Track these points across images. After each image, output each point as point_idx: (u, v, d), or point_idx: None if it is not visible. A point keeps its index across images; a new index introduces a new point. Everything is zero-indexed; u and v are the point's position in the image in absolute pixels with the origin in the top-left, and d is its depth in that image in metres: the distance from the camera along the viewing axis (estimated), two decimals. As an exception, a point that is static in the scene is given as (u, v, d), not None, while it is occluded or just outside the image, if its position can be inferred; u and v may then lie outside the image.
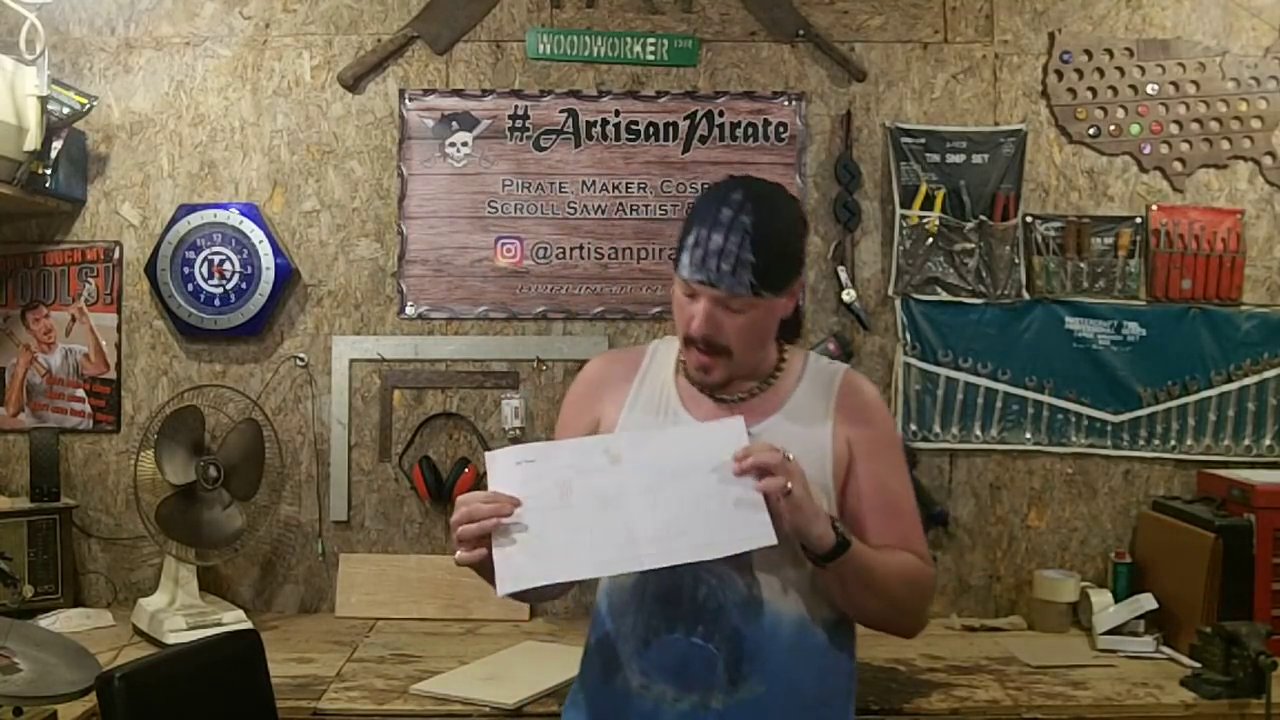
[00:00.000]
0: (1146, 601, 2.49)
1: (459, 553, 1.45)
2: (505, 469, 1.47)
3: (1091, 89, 2.79)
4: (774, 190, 1.57)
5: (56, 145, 2.58)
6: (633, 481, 1.44)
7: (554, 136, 2.80)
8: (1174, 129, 2.79)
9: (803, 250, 1.60)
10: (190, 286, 2.74)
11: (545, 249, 2.81)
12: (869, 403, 1.62)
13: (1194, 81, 2.78)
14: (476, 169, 2.80)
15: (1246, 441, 2.77)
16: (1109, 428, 2.78)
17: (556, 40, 2.80)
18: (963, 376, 2.77)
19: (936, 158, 2.77)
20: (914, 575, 1.56)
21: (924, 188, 2.76)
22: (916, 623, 1.62)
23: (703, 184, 2.76)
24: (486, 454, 1.47)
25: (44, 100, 2.49)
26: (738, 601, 1.51)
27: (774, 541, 1.40)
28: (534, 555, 1.42)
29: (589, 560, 1.42)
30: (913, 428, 2.77)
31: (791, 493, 1.39)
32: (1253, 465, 2.72)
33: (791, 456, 1.43)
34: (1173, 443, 2.78)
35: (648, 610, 1.55)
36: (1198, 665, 2.27)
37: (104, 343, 2.80)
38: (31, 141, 2.49)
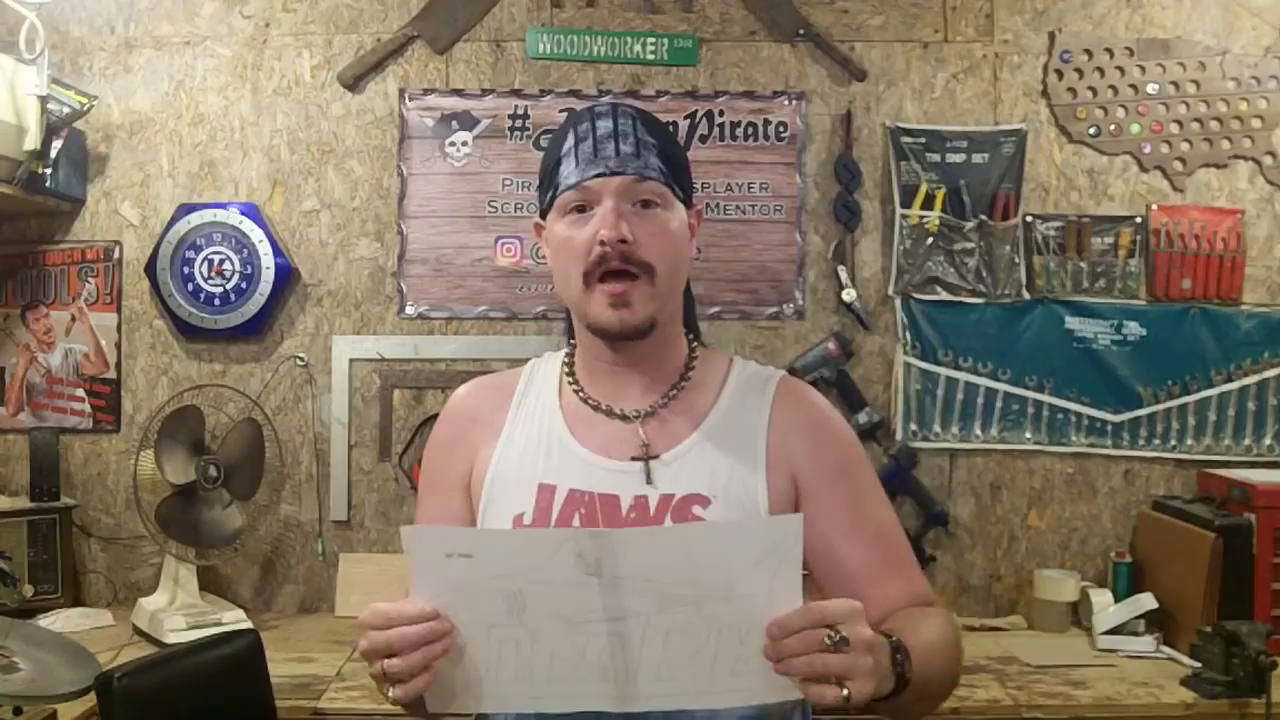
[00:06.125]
0: (1146, 601, 2.49)
1: (392, 690, 1.04)
2: (431, 561, 1.05)
3: (1091, 89, 2.79)
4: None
5: (56, 145, 2.58)
6: (622, 602, 1.02)
7: (554, 136, 2.80)
8: (1174, 128, 2.78)
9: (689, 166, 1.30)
10: (190, 286, 2.74)
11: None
12: (824, 415, 1.26)
13: (1194, 81, 2.78)
14: (476, 169, 2.80)
15: (1246, 441, 2.77)
16: (1109, 427, 2.78)
17: (556, 40, 2.80)
18: (963, 376, 2.77)
19: (936, 157, 2.77)
20: (956, 642, 1.17)
21: (924, 187, 2.76)
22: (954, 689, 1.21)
23: (704, 183, 2.76)
24: (404, 531, 1.06)
25: (44, 100, 2.49)
26: None
27: (803, 698, 1.01)
28: (478, 677, 1.07)
29: (558, 693, 1.06)
30: (913, 427, 2.77)
31: (850, 699, 0.97)
32: (1253, 465, 2.71)
33: (858, 639, 0.97)
34: (1173, 442, 2.78)
35: None
36: (1198, 665, 2.27)
37: (104, 342, 2.80)
38: (31, 141, 2.49)
